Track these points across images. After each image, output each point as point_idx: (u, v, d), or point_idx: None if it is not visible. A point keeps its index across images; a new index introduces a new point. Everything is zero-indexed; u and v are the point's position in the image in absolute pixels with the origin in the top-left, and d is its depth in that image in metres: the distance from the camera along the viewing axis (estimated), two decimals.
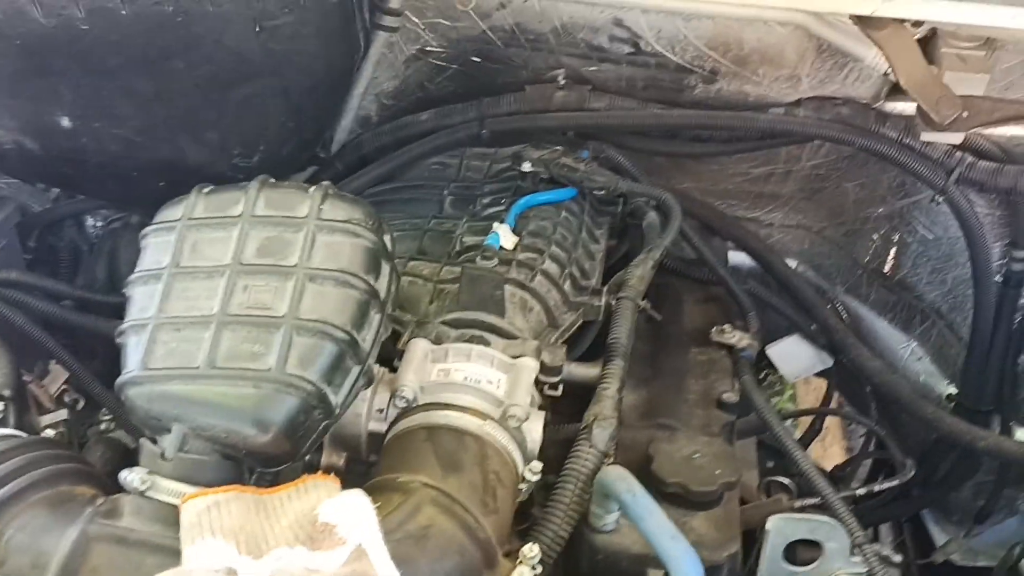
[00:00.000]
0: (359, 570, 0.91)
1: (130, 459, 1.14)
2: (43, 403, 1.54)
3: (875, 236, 1.98)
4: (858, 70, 1.63)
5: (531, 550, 1.09)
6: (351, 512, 0.98)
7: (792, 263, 2.04)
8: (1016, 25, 1.35)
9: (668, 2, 1.54)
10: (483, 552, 1.08)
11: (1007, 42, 1.53)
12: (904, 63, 1.44)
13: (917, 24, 1.47)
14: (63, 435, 1.49)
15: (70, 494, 1.08)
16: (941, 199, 1.68)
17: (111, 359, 1.72)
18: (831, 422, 3.24)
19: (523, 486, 1.23)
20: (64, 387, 1.73)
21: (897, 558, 1.99)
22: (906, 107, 1.66)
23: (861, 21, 1.43)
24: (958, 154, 1.65)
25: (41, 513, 1.04)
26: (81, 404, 1.72)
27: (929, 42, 1.53)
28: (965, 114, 1.45)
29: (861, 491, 1.74)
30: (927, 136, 1.59)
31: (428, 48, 1.73)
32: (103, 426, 1.60)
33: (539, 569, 1.10)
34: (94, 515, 1.04)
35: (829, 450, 3.06)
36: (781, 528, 1.29)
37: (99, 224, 1.92)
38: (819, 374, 2.08)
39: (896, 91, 1.64)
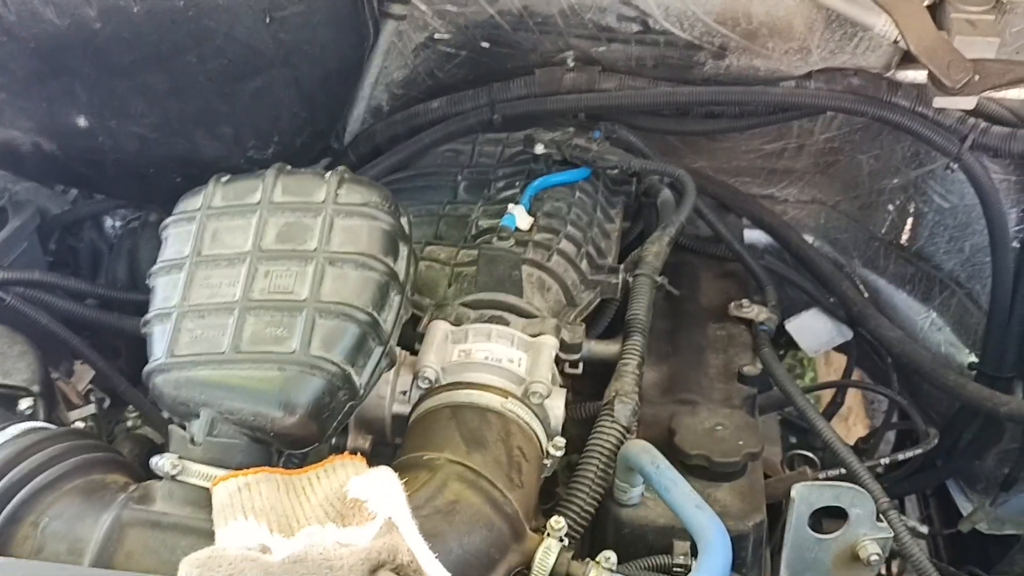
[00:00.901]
0: (389, 543, 0.92)
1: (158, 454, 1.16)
2: (71, 399, 1.56)
3: (891, 207, 1.98)
4: (868, 40, 1.62)
5: (558, 522, 1.10)
6: (380, 487, 0.99)
7: (808, 238, 2.04)
8: None
9: None
10: (510, 526, 1.09)
11: (1017, 5, 1.52)
12: (913, 29, 1.44)
13: None
14: (92, 428, 1.50)
15: (102, 482, 1.09)
16: (955, 166, 1.67)
17: (135, 357, 1.75)
18: (854, 402, 3.24)
19: (547, 462, 1.24)
20: (90, 387, 1.75)
21: (924, 529, 1.99)
22: (917, 76, 1.65)
23: None
24: (971, 120, 1.64)
25: (75, 501, 1.06)
26: (107, 403, 1.74)
27: (938, 8, 1.53)
28: (976, 78, 1.45)
29: (885, 460, 1.74)
30: (939, 102, 1.59)
31: (437, 35, 1.74)
32: (130, 423, 1.62)
33: (566, 541, 1.10)
34: (127, 501, 1.06)
35: (852, 429, 3.06)
36: (806, 496, 1.29)
37: (118, 224, 1.94)
38: (839, 349, 2.08)
39: (907, 60, 1.64)
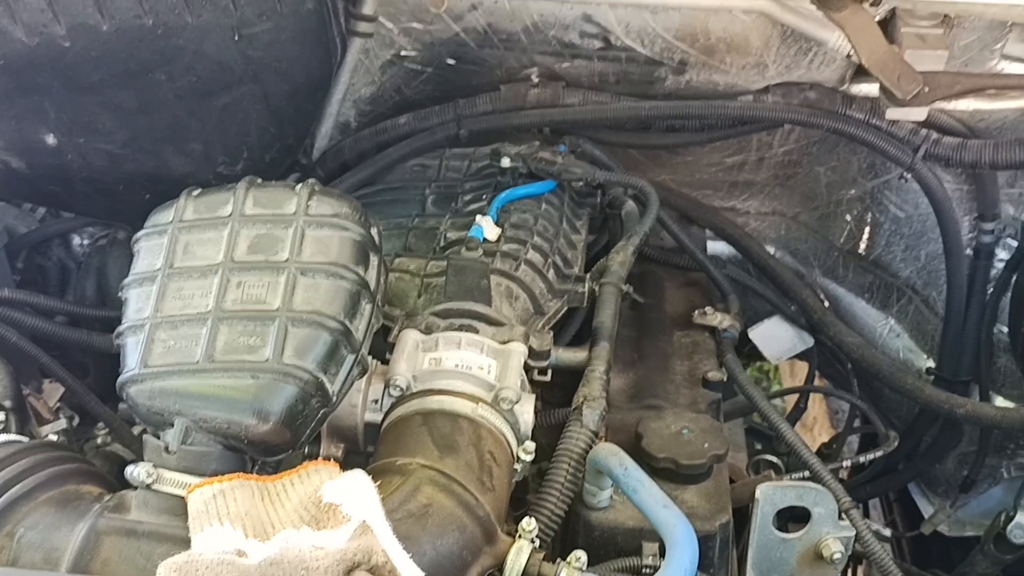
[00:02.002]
0: (364, 544, 0.94)
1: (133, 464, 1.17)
2: (43, 414, 1.56)
3: (848, 218, 2.03)
4: (822, 54, 1.68)
5: (529, 524, 1.12)
6: (354, 491, 1.01)
7: (770, 249, 2.09)
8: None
9: None
10: (482, 528, 1.11)
11: (963, 19, 1.58)
12: (865, 43, 1.49)
13: (875, 4, 1.52)
14: (64, 442, 1.50)
15: (77, 492, 1.10)
16: (909, 176, 1.73)
17: (104, 375, 1.75)
18: (818, 412, 3.30)
19: (518, 466, 1.26)
20: (59, 404, 1.75)
21: (887, 532, 2.03)
22: (871, 89, 1.71)
23: (821, 3, 1.48)
24: (923, 131, 1.70)
25: (50, 511, 1.06)
26: (76, 421, 1.74)
27: (889, 23, 1.59)
28: (926, 89, 1.50)
29: (847, 463, 1.78)
30: (892, 114, 1.64)
31: (403, 52, 1.77)
32: (99, 440, 1.62)
33: (537, 543, 1.13)
34: (102, 510, 1.07)
35: (817, 438, 3.11)
36: (770, 496, 1.32)
37: (86, 242, 1.94)
38: (801, 356, 2.13)
39: (860, 74, 1.69)
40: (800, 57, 1.69)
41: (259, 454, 1.12)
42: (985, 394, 1.90)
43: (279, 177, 1.73)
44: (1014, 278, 1.79)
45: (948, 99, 1.54)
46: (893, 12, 1.57)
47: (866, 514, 2.36)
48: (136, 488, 1.08)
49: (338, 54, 1.62)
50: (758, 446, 2.08)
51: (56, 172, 1.59)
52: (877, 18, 1.56)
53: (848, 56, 1.59)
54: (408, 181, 1.80)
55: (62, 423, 1.52)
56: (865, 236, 2.03)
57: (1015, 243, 1.80)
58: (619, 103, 1.77)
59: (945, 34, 1.57)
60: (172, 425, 1.08)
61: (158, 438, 1.10)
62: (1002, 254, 1.82)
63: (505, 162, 1.69)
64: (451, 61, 1.78)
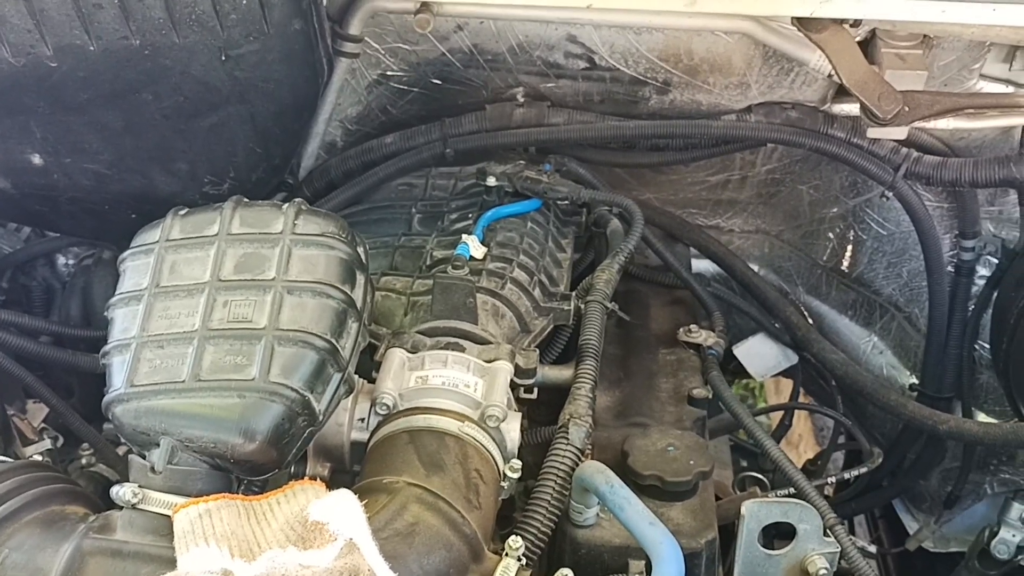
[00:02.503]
0: (351, 564, 0.94)
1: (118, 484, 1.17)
2: (27, 435, 1.56)
3: (831, 235, 2.05)
4: (804, 74, 1.70)
5: (516, 542, 1.12)
6: (340, 510, 1.01)
7: (754, 267, 2.10)
8: (946, 20, 1.42)
9: (618, 17, 1.60)
10: (469, 547, 1.11)
11: (943, 40, 1.60)
12: (845, 63, 1.51)
13: (856, 25, 1.54)
14: (48, 462, 1.50)
15: (62, 513, 1.10)
16: (890, 194, 1.75)
17: (88, 395, 1.75)
18: (804, 429, 3.31)
19: (504, 484, 1.27)
20: (43, 425, 1.75)
21: (872, 548, 2.04)
22: (852, 108, 1.73)
23: (802, 24, 1.50)
24: (903, 150, 1.72)
25: (35, 532, 1.06)
26: (60, 441, 1.74)
27: (869, 43, 1.61)
28: (906, 109, 1.52)
29: (832, 479, 1.79)
30: (873, 133, 1.66)
31: (389, 72, 1.78)
32: (84, 460, 1.61)
33: (524, 561, 1.13)
34: (87, 531, 1.07)
35: (803, 455, 3.12)
36: (755, 512, 1.32)
37: (71, 262, 1.94)
38: (785, 373, 2.14)
39: (842, 93, 1.72)
40: (782, 77, 1.71)
41: (245, 473, 1.12)
42: (968, 410, 1.91)
43: (265, 196, 1.74)
44: (995, 295, 1.81)
45: (928, 118, 1.56)
46: (873, 33, 1.59)
47: (852, 530, 2.37)
48: (121, 508, 1.08)
49: (324, 74, 1.63)
50: (744, 463, 2.09)
51: (42, 192, 1.59)
52: (857, 39, 1.58)
53: (829, 76, 1.61)
54: (394, 200, 1.81)
55: (46, 443, 1.52)
56: (848, 253, 2.05)
57: (995, 260, 1.82)
58: (604, 122, 1.78)
59: (924, 54, 1.59)
60: (158, 445, 1.08)
61: (144, 458, 1.10)
62: (983, 271, 1.84)
63: (491, 181, 1.70)
64: (437, 81, 1.79)
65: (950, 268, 1.85)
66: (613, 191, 1.85)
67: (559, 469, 1.24)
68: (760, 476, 1.80)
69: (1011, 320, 1.70)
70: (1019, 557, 1.83)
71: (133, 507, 1.07)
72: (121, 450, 1.59)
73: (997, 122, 1.67)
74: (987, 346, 1.86)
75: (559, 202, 1.72)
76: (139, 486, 1.08)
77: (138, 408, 1.09)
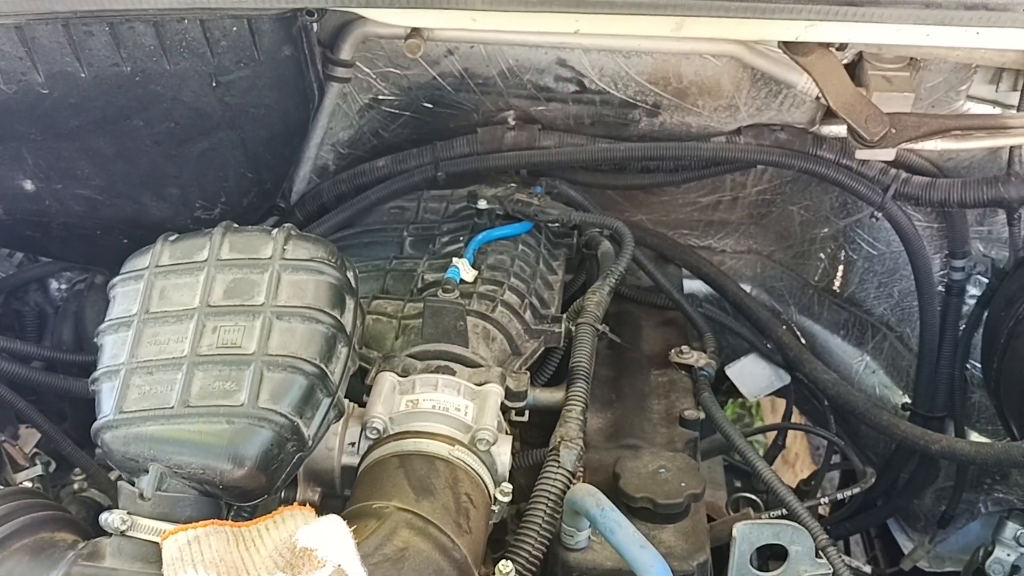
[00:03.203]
0: None
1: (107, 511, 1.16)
2: (18, 461, 1.55)
3: (822, 255, 2.06)
4: (792, 96, 1.71)
5: (506, 566, 1.12)
6: (329, 536, 1.01)
7: (746, 287, 2.11)
8: (930, 43, 1.43)
9: (606, 41, 1.61)
10: (459, 571, 1.11)
11: (929, 62, 1.62)
12: (832, 86, 1.52)
13: (842, 48, 1.55)
14: (39, 488, 1.50)
15: (51, 540, 1.09)
16: (880, 215, 1.76)
17: (81, 420, 1.74)
18: (800, 447, 3.30)
19: (495, 508, 1.27)
20: (36, 450, 1.74)
21: (867, 568, 2.04)
22: (841, 129, 1.74)
23: (789, 48, 1.51)
24: (892, 171, 1.73)
25: (24, 559, 1.06)
26: (53, 466, 1.73)
27: (856, 66, 1.62)
28: (893, 131, 1.53)
29: (825, 500, 1.79)
30: (861, 155, 1.67)
31: (380, 97, 1.79)
32: (76, 486, 1.61)
33: None
34: (76, 558, 1.06)
35: (800, 474, 3.11)
36: (747, 534, 1.32)
37: (64, 286, 1.94)
38: (778, 393, 2.14)
39: (830, 115, 1.72)
40: (770, 99, 1.73)
41: (234, 499, 1.12)
42: (960, 429, 1.91)
43: (257, 221, 1.75)
44: (985, 314, 1.82)
45: (915, 140, 1.57)
46: (860, 55, 1.60)
47: (848, 550, 2.36)
48: (111, 535, 1.08)
49: (315, 99, 1.64)
50: (737, 483, 2.09)
51: (34, 217, 1.60)
52: (844, 61, 1.59)
53: (817, 98, 1.62)
54: (386, 223, 1.82)
55: (37, 469, 1.52)
56: (839, 273, 2.05)
57: (985, 280, 1.83)
58: (594, 145, 1.79)
59: (911, 76, 1.61)
60: (147, 471, 1.08)
61: (133, 484, 1.10)
62: (973, 291, 1.85)
63: (482, 204, 1.71)
64: (428, 105, 1.80)
65: (941, 288, 1.86)
66: (604, 213, 1.85)
67: (550, 492, 1.24)
68: (754, 497, 1.80)
69: (1001, 340, 1.70)
70: None
71: (122, 534, 1.07)
72: (114, 475, 1.59)
73: (985, 143, 1.68)
74: (979, 365, 1.87)
75: (550, 224, 1.73)
76: (128, 513, 1.08)
77: (127, 435, 1.09)
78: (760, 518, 1.61)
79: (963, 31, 1.38)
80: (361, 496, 1.18)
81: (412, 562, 1.08)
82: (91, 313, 1.81)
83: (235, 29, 1.39)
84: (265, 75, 1.47)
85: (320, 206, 1.85)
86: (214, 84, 1.44)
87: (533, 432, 1.50)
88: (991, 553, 1.86)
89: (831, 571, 1.34)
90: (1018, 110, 1.64)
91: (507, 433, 1.35)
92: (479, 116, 1.82)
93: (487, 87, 1.76)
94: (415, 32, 1.55)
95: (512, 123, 1.81)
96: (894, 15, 1.31)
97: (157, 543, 1.05)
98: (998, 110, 1.69)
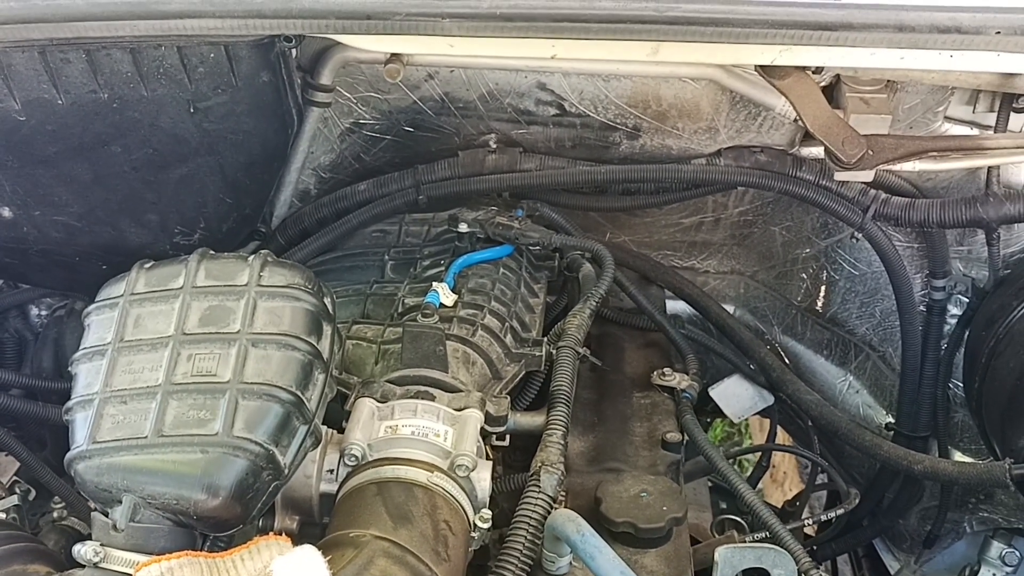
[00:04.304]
0: None
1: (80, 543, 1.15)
2: None
3: (804, 276, 2.06)
4: (771, 119, 1.72)
5: None
6: (303, 567, 1.00)
7: (729, 308, 2.11)
8: (905, 66, 1.44)
9: (585, 65, 1.62)
10: None
11: (906, 84, 1.63)
12: (809, 108, 1.53)
13: (818, 71, 1.56)
14: (15, 519, 1.48)
15: (24, 572, 1.09)
16: (860, 235, 1.76)
17: (60, 447, 1.73)
18: (789, 467, 3.30)
19: (475, 534, 1.26)
20: (15, 478, 1.72)
21: None
22: (820, 151, 1.74)
23: (765, 71, 1.52)
24: (872, 192, 1.74)
25: None
26: (32, 495, 1.71)
27: (834, 88, 1.63)
28: (871, 152, 1.54)
29: (809, 521, 1.78)
30: (840, 176, 1.67)
31: (361, 121, 1.79)
32: (55, 514, 1.59)
33: None
34: None
35: (789, 493, 3.11)
36: (729, 558, 1.32)
37: (43, 313, 1.93)
38: (762, 414, 2.14)
39: (809, 137, 1.73)
40: (750, 122, 1.73)
41: (209, 529, 1.11)
42: (944, 449, 1.91)
43: (238, 246, 1.75)
44: (966, 334, 1.82)
45: (892, 162, 1.58)
46: (838, 78, 1.61)
47: (835, 570, 2.36)
48: (84, 567, 1.07)
49: (295, 124, 1.64)
50: (723, 504, 2.08)
51: (12, 244, 1.59)
52: (822, 84, 1.60)
53: (796, 120, 1.63)
54: (368, 247, 1.81)
55: (14, 499, 1.50)
56: (822, 294, 2.06)
57: (966, 300, 1.83)
58: (575, 167, 1.79)
59: (889, 98, 1.62)
60: (120, 502, 1.07)
61: (107, 515, 1.09)
62: (954, 310, 1.85)
63: (463, 227, 1.71)
64: (409, 129, 1.80)
65: (922, 308, 1.86)
66: (586, 235, 1.86)
67: (530, 518, 1.23)
68: (738, 519, 1.79)
69: (982, 359, 1.71)
70: None
71: (95, 566, 1.06)
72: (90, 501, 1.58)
73: (963, 163, 1.69)
74: (961, 384, 1.87)
75: (531, 248, 1.73)
76: (101, 544, 1.07)
77: (100, 465, 1.08)
78: (744, 540, 1.60)
79: (937, 54, 1.39)
80: (339, 524, 1.17)
81: None
82: (71, 340, 1.80)
83: (212, 56, 1.39)
84: (243, 101, 1.47)
85: (302, 230, 1.85)
86: (192, 110, 1.44)
87: (517, 455, 1.49)
88: (977, 573, 1.86)
89: None
90: (995, 131, 1.65)
91: (488, 458, 1.34)
92: (460, 139, 1.82)
93: (468, 111, 1.76)
94: (394, 57, 1.56)
95: (493, 146, 1.82)
96: (867, 39, 1.31)
97: (130, 575, 1.04)
98: (976, 131, 1.70)
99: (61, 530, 1.57)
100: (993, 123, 1.66)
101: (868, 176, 1.63)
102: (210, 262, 1.24)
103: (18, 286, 1.90)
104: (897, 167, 1.69)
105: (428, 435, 1.29)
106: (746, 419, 3.25)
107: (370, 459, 1.26)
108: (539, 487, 1.27)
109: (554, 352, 1.49)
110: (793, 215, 1.97)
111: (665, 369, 1.70)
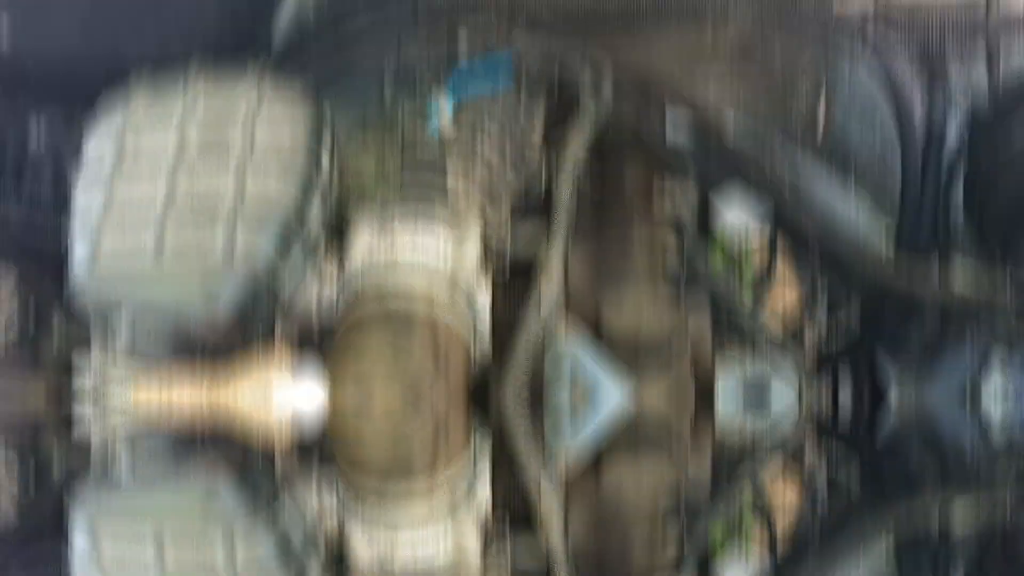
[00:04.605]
0: None
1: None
2: None
3: (804, 104, 2.01)
4: None
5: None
6: (303, 382, 1.03)
7: (730, 125, 2.07)
8: None
9: None
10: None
11: None
12: None
13: None
14: None
15: None
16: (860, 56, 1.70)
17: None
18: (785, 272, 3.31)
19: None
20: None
21: None
22: None
23: None
24: None
25: None
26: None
27: None
28: None
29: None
30: None
31: None
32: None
33: None
34: None
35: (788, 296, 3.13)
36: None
37: (43, 132, 1.90)
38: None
39: None
40: None
41: (210, 351, 1.13)
42: (944, 255, 1.92)
43: (239, 67, 1.70)
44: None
45: None
46: None
47: (836, 380, 2.37)
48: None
49: None
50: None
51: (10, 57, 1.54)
52: None
53: None
54: (367, 73, 1.76)
55: None
56: (821, 119, 2.02)
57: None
58: None
59: None
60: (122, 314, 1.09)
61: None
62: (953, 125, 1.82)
63: (462, 45, 1.65)
64: None
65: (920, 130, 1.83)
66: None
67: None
68: None
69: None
70: None
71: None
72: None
73: None
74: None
75: (530, 66, 1.67)
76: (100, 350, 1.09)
77: (102, 278, 1.09)
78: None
79: None
80: (340, 358, 1.19)
81: None
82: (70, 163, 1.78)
83: None
84: None
85: (301, 57, 1.79)
86: None
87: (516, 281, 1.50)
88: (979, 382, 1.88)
89: None
90: None
91: (486, 283, 1.35)
92: None
93: None
94: None
95: None
96: None
97: None
98: None
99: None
100: None
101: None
102: (209, 83, 1.22)
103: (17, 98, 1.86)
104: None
105: (428, 261, 1.29)
106: (747, 250, 3.25)
107: (370, 285, 1.26)
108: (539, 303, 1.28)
109: (555, 170, 1.47)
110: (793, 44, 1.90)
111: (666, 182, 1.68)
